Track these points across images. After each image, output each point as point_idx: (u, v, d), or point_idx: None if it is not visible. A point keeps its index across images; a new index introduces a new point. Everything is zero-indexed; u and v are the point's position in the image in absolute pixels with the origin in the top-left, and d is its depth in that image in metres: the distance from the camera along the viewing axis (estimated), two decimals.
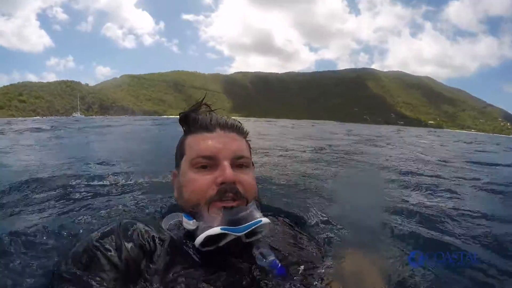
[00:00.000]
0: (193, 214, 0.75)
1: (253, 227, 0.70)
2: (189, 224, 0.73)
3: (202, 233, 0.68)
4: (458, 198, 2.09)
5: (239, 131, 0.85)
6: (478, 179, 2.93)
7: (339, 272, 0.78)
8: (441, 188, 2.33)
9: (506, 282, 0.81)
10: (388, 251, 1.00)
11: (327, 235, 1.10)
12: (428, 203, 1.87)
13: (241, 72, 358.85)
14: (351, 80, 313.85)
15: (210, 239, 0.68)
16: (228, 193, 0.74)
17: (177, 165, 0.85)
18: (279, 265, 0.70)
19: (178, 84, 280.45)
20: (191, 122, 0.84)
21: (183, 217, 0.76)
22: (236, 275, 0.70)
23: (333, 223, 1.22)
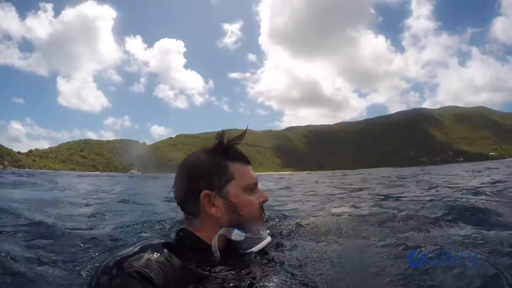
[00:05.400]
0: (240, 227, 0.99)
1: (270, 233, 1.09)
2: (241, 235, 0.98)
3: (257, 241, 0.99)
4: (463, 198, 1.99)
5: None
6: None
7: None
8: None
9: (507, 282, 0.81)
10: (388, 251, 1.02)
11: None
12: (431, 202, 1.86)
13: (292, 127, 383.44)
14: (404, 122, 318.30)
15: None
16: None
17: (216, 187, 1.00)
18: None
19: None
20: (236, 153, 1.06)
21: (236, 230, 0.98)
22: (245, 267, 0.93)
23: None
